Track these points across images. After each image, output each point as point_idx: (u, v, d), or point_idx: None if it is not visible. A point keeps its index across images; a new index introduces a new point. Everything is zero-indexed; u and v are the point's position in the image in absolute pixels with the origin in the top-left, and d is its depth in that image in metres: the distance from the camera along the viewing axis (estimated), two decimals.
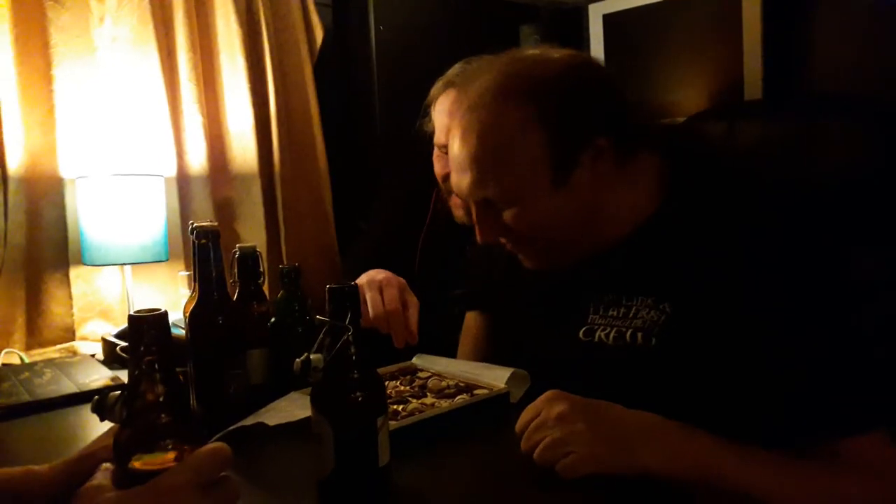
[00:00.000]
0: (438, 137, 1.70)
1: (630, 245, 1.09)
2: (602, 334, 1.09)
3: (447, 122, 1.62)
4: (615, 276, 1.11)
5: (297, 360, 0.93)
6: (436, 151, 1.73)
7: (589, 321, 1.12)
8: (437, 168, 1.72)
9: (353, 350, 0.83)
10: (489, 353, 1.40)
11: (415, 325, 1.38)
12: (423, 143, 1.76)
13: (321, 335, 0.88)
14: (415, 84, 1.83)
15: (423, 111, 1.77)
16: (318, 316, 0.88)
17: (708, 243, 1.00)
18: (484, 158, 1.05)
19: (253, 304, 1.24)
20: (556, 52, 1.10)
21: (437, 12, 2.49)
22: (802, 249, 0.95)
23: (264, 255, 1.52)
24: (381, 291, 1.38)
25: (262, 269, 1.26)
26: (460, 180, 1.10)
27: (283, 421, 1.06)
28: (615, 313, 1.09)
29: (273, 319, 1.25)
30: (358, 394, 0.82)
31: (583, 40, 2.68)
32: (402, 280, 1.43)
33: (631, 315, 1.07)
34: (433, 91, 1.73)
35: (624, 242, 1.10)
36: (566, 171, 1.04)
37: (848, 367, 0.90)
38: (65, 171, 1.91)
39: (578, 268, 1.15)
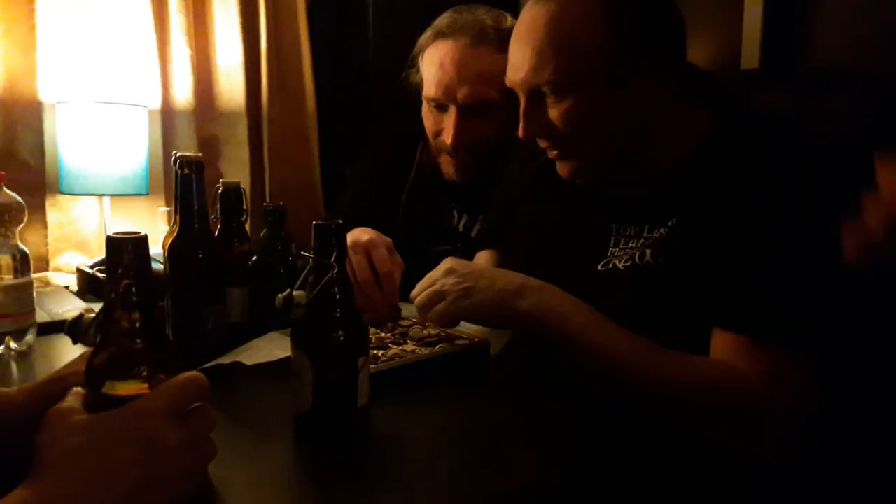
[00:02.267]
0: (427, 90, 1.60)
1: (656, 186, 1.13)
2: (617, 262, 1.13)
3: (437, 74, 1.56)
4: (639, 211, 1.15)
5: (280, 295, 0.91)
6: (425, 106, 1.64)
7: (608, 254, 1.16)
8: (428, 124, 1.65)
9: (336, 289, 0.82)
10: None
11: (396, 293, 1.35)
12: (410, 93, 1.68)
13: (305, 272, 0.86)
14: (411, 31, 1.77)
15: (411, 62, 1.69)
16: (302, 252, 0.86)
17: (727, 183, 1.04)
18: (546, 44, 1.07)
19: (235, 241, 1.21)
20: None
21: None
22: (796, 204, 1.00)
23: (248, 195, 1.49)
24: (368, 254, 1.35)
25: (245, 207, 1.23)
26: (518, 68, 1.11)
27: (261, 360, 1.04)
28: (633, 244, 1.14)
29: (255, 258, 1.23)
30: (340, 333, 0.81)
31: None
32: (388, 240, 1.39)
33: (648, 242, 1.11)
34: (421, 41, 1.64)
35: (651, 180, 1.13)
36: (622, 73, 1.06)
37: (786, 286, 0.97)
38: (44, 95, 1.88)
39: (602, 204, 1.20)
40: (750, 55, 2.01)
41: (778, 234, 0.99)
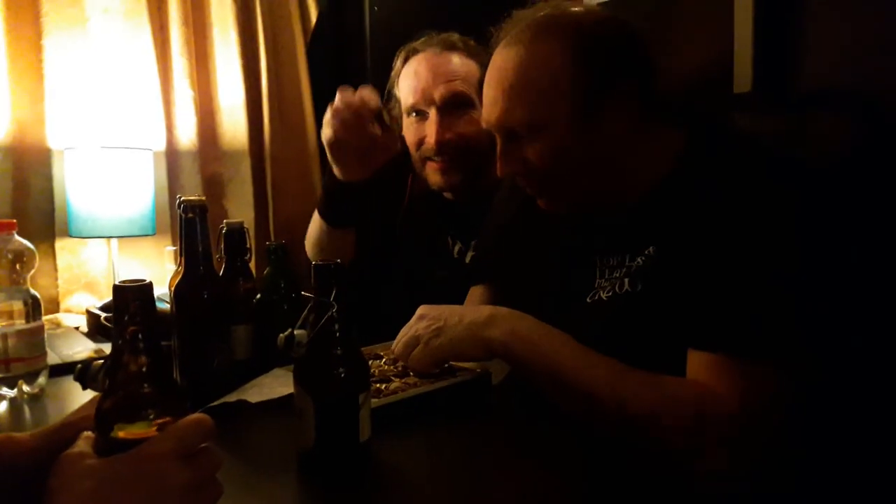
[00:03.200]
0: (406, 101, 1.64)
1: (634, 212, 1.14)
2: (602, 294, 1.15)
3: (413, 82, 1.61)
4: (620, 240, 1.16)
5: (282, 335, 0.93)
6: (406, 120, 1.67)
7: (595, 285, 1.17)
8: (410, 137, 1.66)
9: (336, 326, 0.84)
10: None
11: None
12: (395, 126, 1.68)
13: (306, 311, 0.88)
14: None
15: (387, 95, 1.71)
16: (303, 292, 0.89)
17: (699, 206, 1.05)
18: (516, 86, 1.10)
19: (239, 280, 1.23)
20: (597, 7, 1.17)
21: None
22: (768, 221, 1.01)
23: (252, 232, 1.52)
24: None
25: (248, 246, 1.26)
26: (490, 110, 1.14)
27: (266, 398, 1.06)
28: (617, 274, 1.15)
29: (259, 296, 1.25)
30: (341, 369, 0.83)
31: None
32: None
33: (629, 271, 1.12)
34: (396, 65, 1.69)
35: (630, 208, 1.15)
36: (590, 109, 1.09)
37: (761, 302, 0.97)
38: (53, 142, 1.92)
39: (585, 234, 1.21)
40: (742, 78, 2.04)
41: (750, 253, 0.99)
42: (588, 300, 1.17)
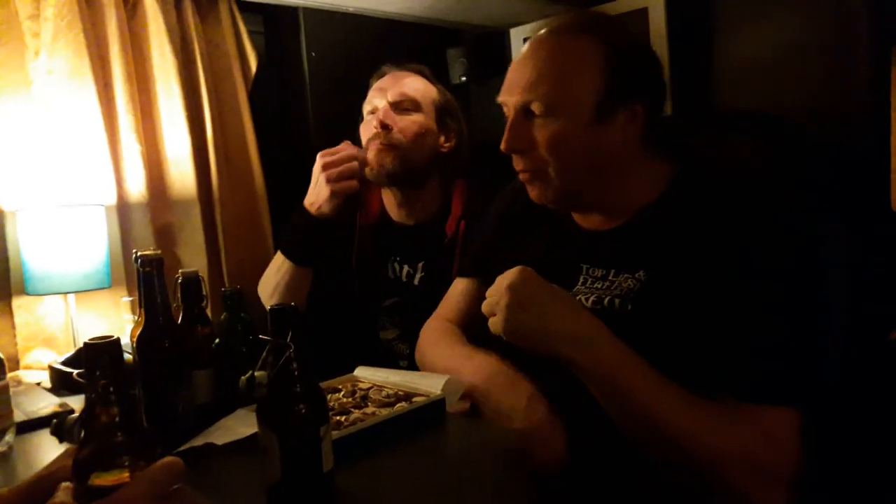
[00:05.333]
0: (367, 101, 1.85)
1: (623, 230, 1.21)
2: (583, 298, 1.19)
3: (375, 90, 1.83)
4: (606, 254, 1.22)
5: (243, 377, 0.98)
6: (365, 119, 1.85)
7: (574, 290, 1.22)
8: (364, 134, 1.83)
9: (294, 366, 0.89)
10: (470, 318, 1.48)
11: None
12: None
13: (264, 353, 0.93)
14: (347, 107, 1.90)
15: (361, 117, 1.89)
16: (260, 335, 0.94)
17: (689, 228, 1.11)
18: (545, 68, 1.17)
19: (197, 326, 1.27)
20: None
21: (367, 38, 2.57)
22: (768, 244, 1.07)
23: (206, 278, 1.55)
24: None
25: (204, 293, 1.30)
26: (513, 85, 1.20)
27: (231, 439, 1.10)
28: (599, 285, 1.20)
29: (217, 340, 1.29)
30: (301, 406, 0.88)
31: (505, 61, 2.78)
32: None
33: (613, 287, 1.17)
34: (370, 85, 1.89)
35: (618, 226, 1.22)
36: (606, 111, 1.15)
37: (781, 346, 1.01)
38: (4, 204, 1.93)
39: (573, 242, 1.28)
40: None
41: (754, 288, 1.04)
42: None
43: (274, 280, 1.82)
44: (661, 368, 1.04)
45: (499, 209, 1.52)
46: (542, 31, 1.21)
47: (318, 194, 1.66)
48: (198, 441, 1.10)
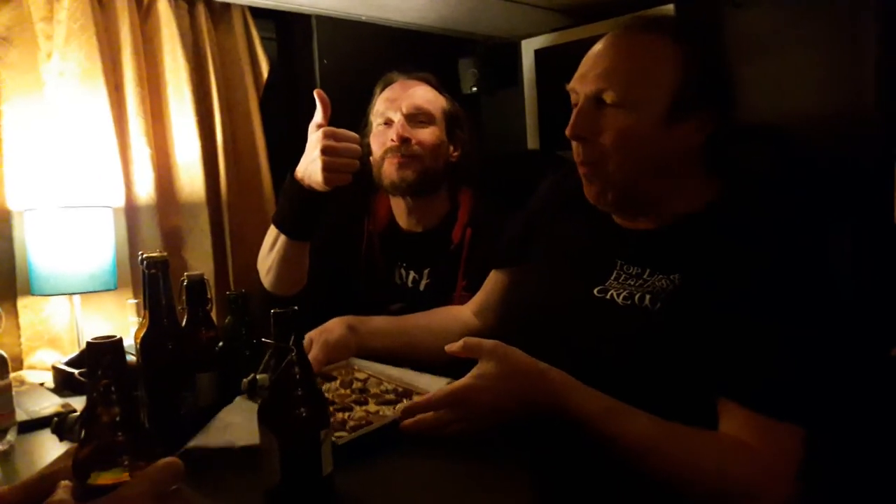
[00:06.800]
0: (376, 113, 1.85)
1: (664, 232, 1.22)
2: (615, 293, 1.19)
3: (387, 98, 1.84)
4: (644, 254, 1.22)
5: (245, 380, 0.98)
6: (374, 132, 1.86)
7: (606, 284, 1.22)
8: (376, 145, 1.84)
9: (296, 369, 0.89)
10: (499, 306, 1.53)
11: None
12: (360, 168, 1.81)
13: (266, 356, 0.94)
14: (357, 115, 1.91)
15: (365, 122, 1.90)
16: (263, 339, 0.94)
17: (726, 241, 1.12)
18: (624, 60, 1.17)
19: (201, 329, 1.27)
20: None
21: (379, 46, 2.59)
22: (798, 263, 1.07)
23: (212, 282, 1.55)
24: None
25: (209, 296, 1.30)
26: (589, 73, 1.20)
27: (250, 443, 1.05)
28: (633, 282, 1.20)
29: (221, 344, 1.29)
30: (302, 409, 0.88)
31: (516, 72, 2.81)
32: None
33: (646, 285, 1.17)
34: (375, 93, 1.90)
35: (659, 228, 1.23)
36: (676, 115, 1.15)
37: (791, 360, 1.02)
38: (12, 204, 1.94)
39: (610, 238, 1.27)
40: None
41: (782, 301, 1.04)
42: (596, 293, 1.21)
43: (270, 256, 1.78)
44: (677, 369, 1.05)
45: (538, 200, 1.52)
46: (619, 29, 1.22)
47: (309, 173, 1.57)
48: (211, 439, 1.09)
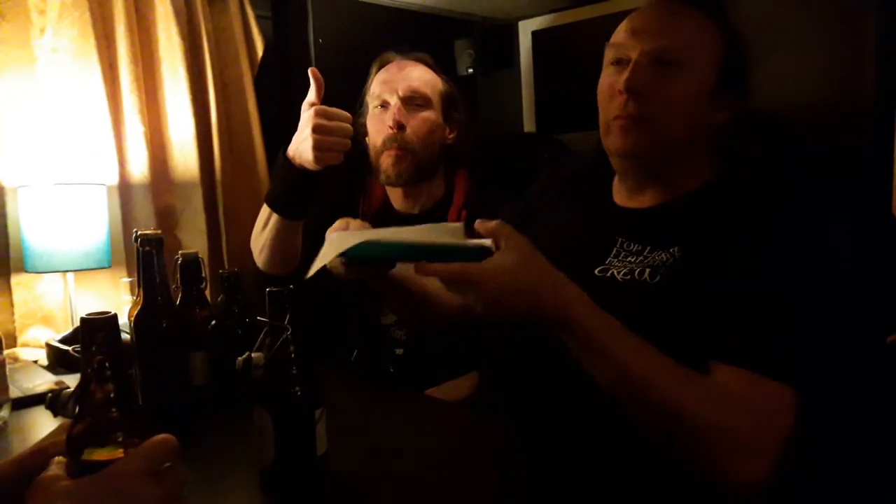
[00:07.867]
0: (373, 96, 1.84)
1: (664, 208, 1.23)
2: (615, 272, 1.20)
3: (383, 79, 1.82)
4: (644, 230, 1.23)
5: (240, 358, 0.98)
6: (371, 114, 1.85)
7: (607, 262, 1.23)
8: (373, 129, 1.83)
9: (291, 348, 0.89)
10: None
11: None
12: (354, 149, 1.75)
13: (262, 335, 0.94)
14: (352, 95, 1.90)
15: (360, 102, 1.89)
16: (258, 317, 0.94)
17: (724, 216, 1.13)
18: (683, 22, 1.19)
19: (195, 308, 1.28)
20: None
21: (375, 26, 2.57)
22: (797, 235, 1.09)
23: (206, 261, 1.55)
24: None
25: (203, 275, 1.30)
26: (642, 29, 1.20)
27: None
28: (633, 259, 1.20)
29: (214, 322, 1.29)
30: (297, 388, 0.89)
31: (513, 53, 2.80)
32: None
33: (646, 261, 1.18)
34: (371, 73, 1.89)
35: (659, 205, 1.24)
36: (720, 89, 1.18)
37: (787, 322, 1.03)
38: (6, 180, 1.93)
39: (610, 217, 1.29)
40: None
41: (779, 270, 1.06)
42: (597, 273, 1.22)
43: (262, 235, 1.77)
44: (673, 337, 1.04)
45: (536, 187, 1.52)
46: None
47: (300, 152, 1.57)
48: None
